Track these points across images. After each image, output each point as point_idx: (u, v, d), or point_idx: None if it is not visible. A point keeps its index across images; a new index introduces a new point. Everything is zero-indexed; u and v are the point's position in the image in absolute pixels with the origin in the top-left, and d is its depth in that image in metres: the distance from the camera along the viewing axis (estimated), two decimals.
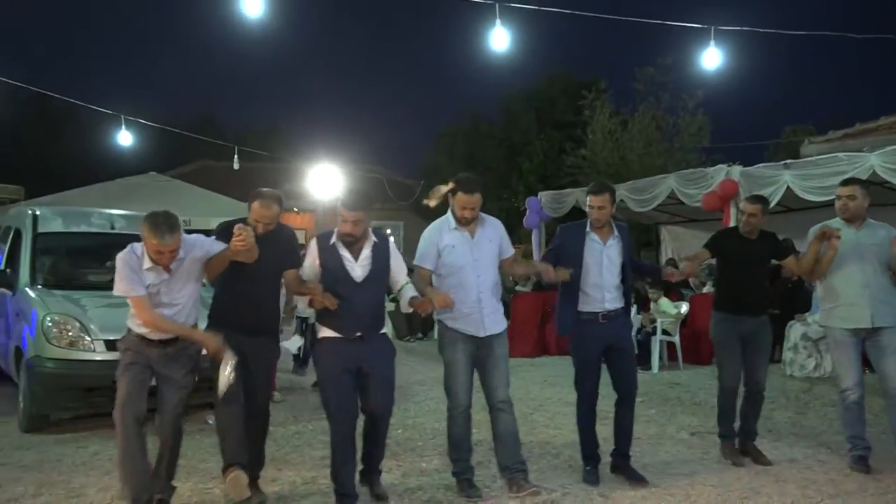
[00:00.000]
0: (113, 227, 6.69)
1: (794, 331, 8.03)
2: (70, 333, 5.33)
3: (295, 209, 21.50)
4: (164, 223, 3.55)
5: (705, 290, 9.90)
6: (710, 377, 7.85)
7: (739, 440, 4.86)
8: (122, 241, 7.03)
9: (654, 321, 8.70)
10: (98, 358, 5.29)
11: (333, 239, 3.90)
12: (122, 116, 11.02)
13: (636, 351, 4.63)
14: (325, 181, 18.73)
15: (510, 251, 4.37)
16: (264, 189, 3.93)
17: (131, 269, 3.60)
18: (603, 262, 4.35)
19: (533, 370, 8.72)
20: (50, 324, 5.31)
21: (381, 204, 21.73)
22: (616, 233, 4.42)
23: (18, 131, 22.63)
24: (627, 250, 4.47)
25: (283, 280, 4.04)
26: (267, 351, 4.08)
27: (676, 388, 7.37)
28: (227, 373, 3.56)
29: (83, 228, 6.63)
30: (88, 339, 5.32)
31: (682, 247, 14.21)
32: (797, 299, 8.60)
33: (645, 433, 5.53)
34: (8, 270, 6.29)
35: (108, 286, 6.28)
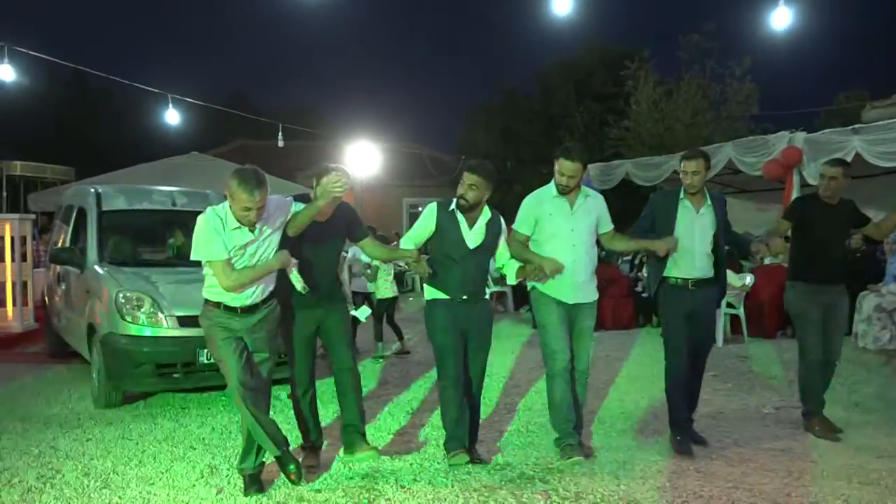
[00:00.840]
0: (174, 204, 6.65)
1: (867, 302, 7.76)
2: (143, 310, 5.30)
3: None
4: (252, 177, 3.42)
5: (768, 261, 9.61)
6: (776, 350, 7.70)
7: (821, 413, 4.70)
8: (183, 217, 7.13)
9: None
10: (171, 334, 5.27)
11: (453, 206, 4.08)
12: (169, 95, 10.98)
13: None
14: (363, 159, 18.68)
15: (609, 226, 4.40)
16: (333, 164, 3.98)
17: (214, 232, 3.48)
18: (695, 229, 4.33)
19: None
20: (123, 300, 5.29)
21: (420, 180, 21.66)
22: (709, 202, 4.38)
23: (61, 112, 22.91)
24: (722, 221, 4.40)
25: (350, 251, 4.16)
26: (338, 312, 4.15)
27: (747, 362, 7.17)
28: (294, 274, 3.77)
29: (146, 206, 6.61)
30: (161, 315, 5.29)
31: (733, 219, 13.92)
32: (868, 270, 8.29)
33: (728, 408, 5.41)
34: (75, 248, 6.29)
35: (174, 263, 6.45)
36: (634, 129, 17.15)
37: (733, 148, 10.20)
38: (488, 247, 4.14)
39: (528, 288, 4.36)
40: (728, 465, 4.07)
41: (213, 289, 3.63)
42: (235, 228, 3.51)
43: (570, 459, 4.01)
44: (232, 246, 3.52)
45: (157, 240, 6.91)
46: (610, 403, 5.60)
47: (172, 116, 11.38)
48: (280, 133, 13.29)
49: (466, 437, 4.12)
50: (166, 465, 4.11)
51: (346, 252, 7.41)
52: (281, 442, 3.65)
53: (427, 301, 4.17)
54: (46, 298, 7.71)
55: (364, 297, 7.90)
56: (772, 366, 6.87)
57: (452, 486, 3.75)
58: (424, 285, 4.23)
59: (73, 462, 4.15)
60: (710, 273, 4.40)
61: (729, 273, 8.56)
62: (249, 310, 3.67)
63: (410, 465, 4.12)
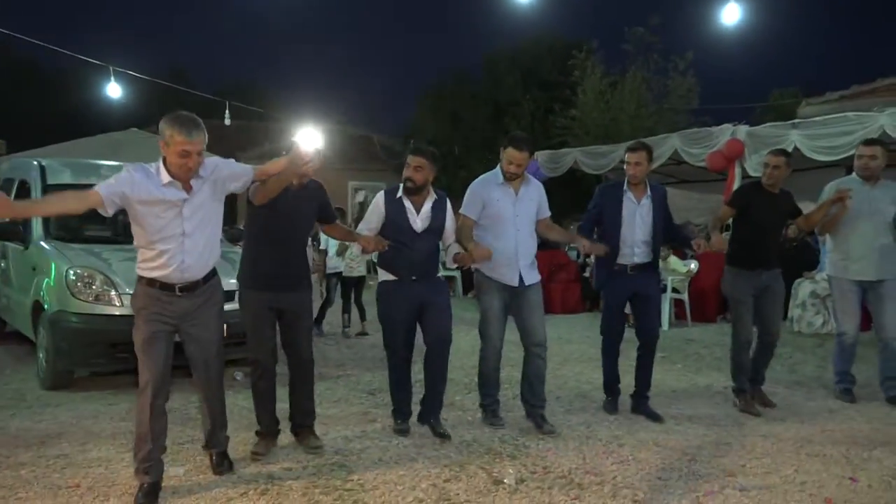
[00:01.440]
0: None
1: (803, 288, 8.16)
2: (94, 287, 5.12)
3: None
4: (189, 119, 3.06)
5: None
6: (719, 333, 8.01)
7: (749, 385, 4.97)
8: None
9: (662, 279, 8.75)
10: (125, 313, 5.08)
11: (400, 193, 4.22)
12: (111, 68, 10.54)
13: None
14: (309, 140, 18.42)
15: (546, 213, 4.62)
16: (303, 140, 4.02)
17: (132, 182, 3.06)
18: (635, 219, 4.62)
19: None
20: (73, 277, 5.09)
21: (366, 163, 21.47)
22: (649, 192, 4.66)
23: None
24: (660, 211, 4.69)
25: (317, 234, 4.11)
26: (305, 303, 4.03)
27: (693, 345, 7.45)
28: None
29: (93, 180, 6.31)
30: (114, 292, 5.12)
31: (674, 207, 14.35)
32: (804, 257, 8.71)
33: (679, 387, 5.63)
34: (17, 224, 5.99)
35: (123, 240, 6.23)
36: (580, 119, 17.44)
37: (679, 139, 10.50)
38: (436, 228, 4.27)
39: (473, 271, 4.58)
40: (685, 440, 4.24)
41: (147, 263, 3.23)
42: (168, 184, 3.11)
43: (491, 425, 4.45)
44: (166, 200, 3.11)
45: (104, 216, 6.65)
46: (567, 383, 5.74)
47: (114, 90, 10.93)
48: (227, 111, 12.93)
49: (408, 407, 4.41)
50: (128, 445, 3.99)
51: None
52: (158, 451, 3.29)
53: (379, 282, 4.33)
54: None
55: (337, 277, 8.26)
56: (716, 348, 7.15)
57: (423, 462, 3.79)
58: (378, 268, 4.36)
59: (27, 444, 3.99)
60: (649, 258, 4.70)
61: (674, 259, 8.93)
62: (192, 288, 3.29)
63: (377, 443, 4.13)
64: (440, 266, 4.58)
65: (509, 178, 4.36)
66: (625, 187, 4.65)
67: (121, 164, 6.68)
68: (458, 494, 3.36)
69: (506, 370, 4.79)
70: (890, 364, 5.00)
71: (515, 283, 4.37)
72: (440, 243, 4.42)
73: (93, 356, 5.11)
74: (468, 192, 4.49)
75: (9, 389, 5.26)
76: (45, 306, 5.23)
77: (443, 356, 4.30)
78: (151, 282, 3.23)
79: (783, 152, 4.97)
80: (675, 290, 8.75)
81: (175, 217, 3.16)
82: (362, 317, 8.19)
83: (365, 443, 4.12)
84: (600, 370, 5.00)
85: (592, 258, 10.47)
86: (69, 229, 5.92)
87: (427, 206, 4.23)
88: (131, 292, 5.02)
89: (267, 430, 3.95)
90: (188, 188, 3.18)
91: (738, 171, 9.74)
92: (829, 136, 8.42)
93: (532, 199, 4.49)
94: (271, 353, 3.92)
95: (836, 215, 4.88)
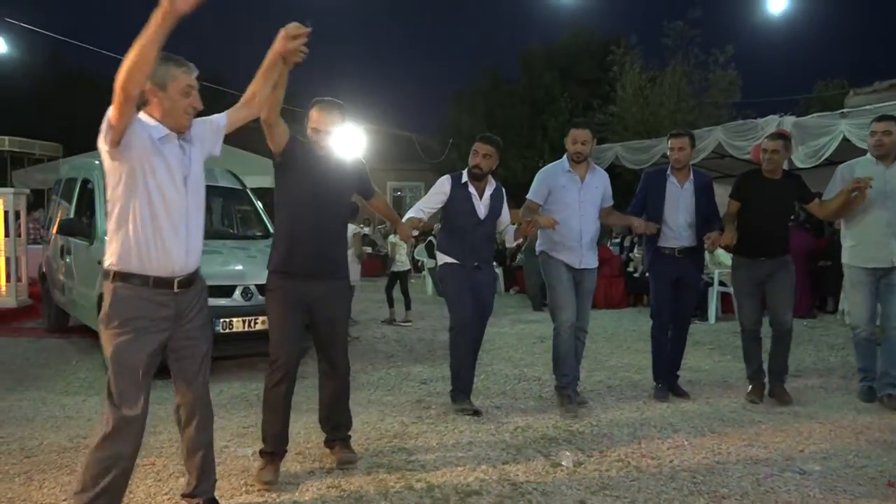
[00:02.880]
0: None
1: None
2: None
3: None
4: (171, 55, 2.54)
5: None
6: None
7: (768, 380, 4.86)
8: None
9: (710, 272, 8.69)
10: None
11: (465, 178, 4.46)
12: None
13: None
14: (349, 141, 18.63)
15: (610, 201, 4.86)
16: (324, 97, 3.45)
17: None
18: (679, 203, 4.79)
19: None
20: None
21: (404, 164, 21.66)
22: (692, 177, 4.83)
23: (39, 88, 22.39)
24: (704, 197, 4.83)
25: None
26: (344, 295, 3.57)
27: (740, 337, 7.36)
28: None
29: None
30: None
31: (717, 203, 14.19)
32: None
33: (730, 376, 5.62)
34: (83, 220, 6.26)
35: None
36: (619, 115, 17.37)
37: (723, 132, 10.40)
38: (494, 216, 4.53)
39: (538, 253, 4.81)
40: (740, 427, 4.24)
41: (130, 250, 2.50)
42: (165, 137, 2.54)
43: (564, 410, 4.50)
44: (166, 159, 2.52)
45: None
46: (616, 373, 5.77)
47: None
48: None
49: (471, 387, 4.59)
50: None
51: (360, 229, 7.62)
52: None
53: (441, 265, 4.59)
54: (46, 272, 7.65)
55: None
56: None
57: (480, 446, 3.87)
58: (437, 252, 4.67)
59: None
60: (693, 242, 4.80)
61: (721, 252, 8.83)
62: (189, 283, 2.64)
63: (433, 427, 4.21)
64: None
65: (576, 158, 4.58)
66: (668, 172, 4.84)
67: None
68: (517, 475, 3.43)
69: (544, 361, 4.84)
70: (891, 358, 4.68)
71: (577, 265, 4.59)
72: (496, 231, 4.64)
73: None
74: (536, 178, 4.74)
75: (77, 378, 5.50)
76: None
77: (483, 328, 4.68)
78: (143, 278, 2.53)
79: (779, 136, 4.83)
80: (721, 283, 8.67)
81: (179, 173, 2.58)
82: (408, 306, 8.73)
83: (422, 427, 4.22)
84: (649, 360, 5.03)
85: (636, 252, 10.47)
86: None
87: (488, 194, 4.48)
88: None
89: (275, 450, 3.33)
90: (184, 131, 2.62)
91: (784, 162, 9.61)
92: None
93: (597, 187, 4.70)
94: (296, 355, 3.37)
95: (854, 201, 4.61)
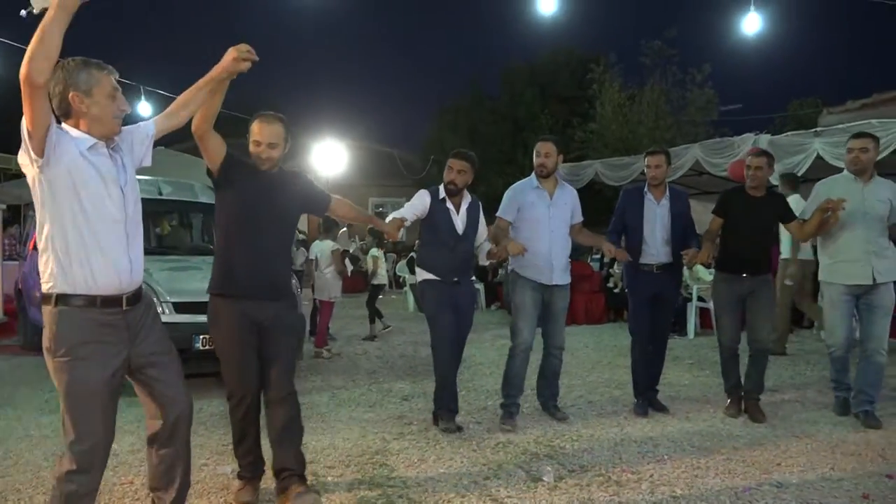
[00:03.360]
0: (160, 193, 6.62)
1: None
2: None
3: None
4: (87, 59, 2.44)
5: None
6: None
7: (744, 397, 4.89)
8: (169, 207, 7.12)
9: (688, 288, 8.78)
10: (167, 320, 5.19)
11: (441, 193, 4.44)
12: (142, 87, 10.82)
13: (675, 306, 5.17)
14: (330, 157, 18.65)
15: (579, 218, 4.84)
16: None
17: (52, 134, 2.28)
18: (656, 220, 4.84)
19: None
20: None
21: (386, 179, 21.70)
22: (668, 194, 4.90)
23: (11, 101, 22.13)
24: (681, 213, 4.88)
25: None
26: (289, 318, 3.33)
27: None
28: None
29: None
30: (156, 300, 5.28)
31: (696, 221, 14.37)
32: None
33: (708, 391, 5.67)
34: None
35: (162, 251, 6.42)
36: (599, 132, 17.59)
37: (700, 149, 10.54)
38: (472, 230, 4.54)
39: (508, 271, 4.81)
40: (719, 441, 4.29)
41: (70, 270, 2.37)
42: (92, 147, 2.40)
43: (503, 425, 4.54)
44: (96, 169, 2.40)
45: (145, 229, 6.86)
46: (597, 388, 5.80)
47: (145, 109, 11.22)
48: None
49: (455, 405, 4.56)
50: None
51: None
52: None
53: (421, 281, 4.54)
54: (22, 289, 7.55)
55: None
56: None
57: (461, 462, 3.87)
58: (416, 267, 4.62)
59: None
60: (671, 258, 4.86)
61: (700, 268, 8.95)
62: (135, 298, 2.54)
63: (415, 444, 4.21)
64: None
65: (540, 172, 4.61)
66: (645, 189, 4.91)
67: (156, 178, 6.91)
68: (498, 491, 3.43)
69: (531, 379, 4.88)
70: (867, 378, 4.68)
71: (548, 282, 4.59)
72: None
73: None
74: (505, 195, 4.73)
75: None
76: None
77: (462, 344, 4.63)
78: (86, 299, 2.40)
79: (763, 153, 4.87)
80: (700, 298, 8.77)
81: (115, 190, 2.45)
82: (379, 316, 8.88)
83: (403, 443, 4.21)
84: (629, 375, 5.07)
85: (616, 268, 10.55)
86: None
87: (464, 208, 4.49)
88: (174, 300, 5.32)
89: (252, 475, 3.30)
90: (112, 147, 2.50)
91: None
92: None
93: (566, 203, 4.72)
94: (256, 379, 3.17)
95: (828, 221, 4.62)
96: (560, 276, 4.64)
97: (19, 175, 13.47)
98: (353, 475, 3.63)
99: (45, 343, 2.41)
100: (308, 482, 3.26)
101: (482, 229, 4.64)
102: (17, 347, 7.58)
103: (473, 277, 4.86)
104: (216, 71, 2.77)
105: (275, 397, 3.18)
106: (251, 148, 3.17)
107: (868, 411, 4.65)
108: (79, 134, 2.41)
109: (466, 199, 4.52)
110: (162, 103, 14.33)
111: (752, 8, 7.80)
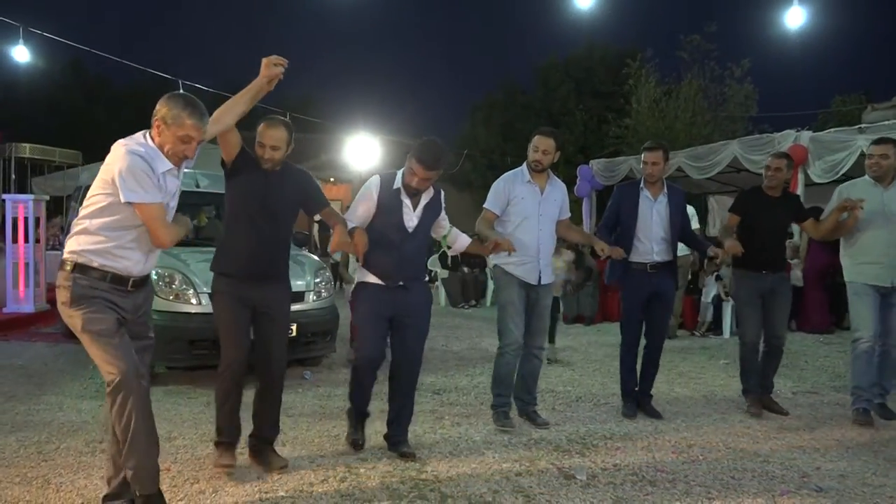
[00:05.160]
0: (198, 186, 6.70)
1: None
2: (174, 286, 5.38)
3: (332, 179, 21.53)
4: (197, 102, 2.80)
5: None
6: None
7: (759, 393, 4.92)
8: (207, 199, 7.22)
9: (727, 287, 8.64)
10: (203, 311, 5.33)
11: (398, 184, 3.76)
12: (180, 81, 10.99)
13: (672, 304, 4.87)
14: (362, 152, 18.73)
15: (567, 214, 4.65)
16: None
17: (144, 173, 2.69)
18: (652, 216, 4.68)
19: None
20: (155, 277, 5.35)
21: None
22: (666, 191, 4.73)
23: (59, 97, 22.75)
24: (678, 211, 4.74)
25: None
26: (284, 300, 3.69)
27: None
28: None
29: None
30: (192, 291, 5.37)
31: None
32: None
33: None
34: None
35: (200, 243, 6.52)
36: (634, 128, 17.37)
37: (739, 145, 10.37)
38: (426, 228, 3.89)
39: (492, 266, 4.60)
40: (755, 443, 4.22)
41: (100, 245, 2.78)
42: (169, 171, 2.84)
43: (501, 426, 4.37)
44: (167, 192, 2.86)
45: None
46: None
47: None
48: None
49: (365, 403, 4.00)
50: (210, 433, 4.19)
51: None
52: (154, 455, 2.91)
53: (358, 283, 3.88)
54: None
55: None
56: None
57: (493, 457, 3.86)
58: (358, 267, 3.92)
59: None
60: (668, 257, 4.73)
61: None
62: (141, 284, 2.96)
63: (447, 438, 4.21)
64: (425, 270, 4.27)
65: (535, 167, 4.37)
66: (641, 185, 4.74)
67: (194, 171, 7.02)
68: (531, 487, 3.42)
69: (557, 373, 4.83)
70: (884, 371, 4.73)
71: (534, 280, 4.40)
72: (433, 236, 4.13)
73: (173, 352, 5.33)
74: (493, 186, 4.49)
75: (93, 383, 5.54)
76: None
77: (412, 379, 3.95)
78: (101, 273, 2.80)
79: (784, 155, 4.95)
80: None
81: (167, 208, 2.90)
82: None
83: (435, 438, 4.22)
84: (663, 374, 5.02)
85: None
86: None
87: (423, 203, 3.80)
88: (209, 291, 5.38)
89: (230, 439, 3.60)
90: (178, 168, 2.93)
91: (801, 177, 9.56)
92: None
93: (556, 200, 4.51)
94: (243, 350, 3.51)
95: (847, 223, 4.67)
96: (546, 274, 4.44)
97: (61, 167, 13.85)
98: (385, 468, 3.65)
99: (62, 299, 2.80)
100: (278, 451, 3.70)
101: (443, 219, 4.00)
102: (59, 335, 7.77)
103: (467, 269, 4.69)
104: (257, 83, 3.23)
105: (266, 372, 3.62)
106: (256, 148, 3.51)
107: (882, 404, 4.71)
108: (160, 157, 2.80)
109: (429, 192, 3.81)
110: (198, 97, 14.52)
111: (797, 2, 7.61)
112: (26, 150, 12.61)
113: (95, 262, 2.78)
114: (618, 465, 3.76)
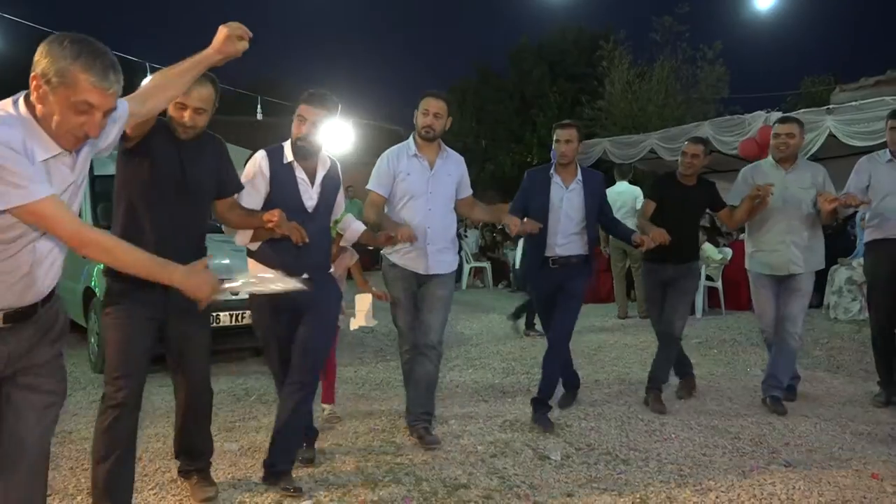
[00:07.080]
0: None
1: (839, 275, 8.09)
2: None
3: None
4: (99, 49, 1.84)
5: (742, 236, 9.92)
6: (753, 321, 7.97)
7: (651, 385, 4.58)
8: None
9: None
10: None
11: (289, 157, 3.17)
12: (147, 64, 10.72)
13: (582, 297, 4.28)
14: (336, 135, 18.56)
15: (468, 191, 4.05)
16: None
17: (22, 158, 1.73)
18: (562, 206, 4.17)
19: None
20: None
21: None
22: (580, 176, 4.23)
23: (24, 83, 22.11)
24: (595, 199, 4.25)
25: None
26: (198, 312, 2.61)
27: (728, 332, 7.43)
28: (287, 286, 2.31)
29: None
30: None
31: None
32: (839, 244, 8.63)
33: (717, 370, 5.67)
34: None
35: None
36: (608, 110, 17.39)
37: (710, 127, 10.46)
38: (328, 205, 3.30)
39: (381, 256, 3.99)
40: (727, 420, 4.27)
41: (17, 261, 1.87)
42: (54, 157, 1.86)
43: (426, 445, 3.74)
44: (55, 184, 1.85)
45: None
46: (604, 367, 5.79)
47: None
48: (259, 106, 13.11)
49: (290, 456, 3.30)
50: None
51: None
52: None
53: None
54: None
55: None
56: (752, 334, 7.13)
57: (468, 440, 3.87)
58: (250, 260, 3.27)
59: (84, 421, 4.15)
60: (581, 250, 4.22)
61: (708, 246, 8.89)
62: (24, 315, 1.93)
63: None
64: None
65: (424, 134, 3.78)
66: (552, 171, 4.23)
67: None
68: (505, 469, 3.43)
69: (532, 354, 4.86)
70: (779, 362, 4.53)
71: (423, 270, 3.80)
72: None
73: None
74: (377, 164, 3.86)
75: None
76: (98, 293, 5.40)
77: (316, 362, 3.25)
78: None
79: (700, 140, 4.67)
80: (709, 277, 8.72)
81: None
82: None
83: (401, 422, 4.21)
84: (637, 355, 5.06)
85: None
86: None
87: (320, 176, 3.23)
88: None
89: None
90: (73, 153, 1.93)
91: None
92: (865, 120, 8.31)
93: (450, 175, 3.90)
94: (141, 383, 2.74)
95: (755, 209, 4.44)
96: (439, 263, 3.81)
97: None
98: (360, 453, 3.64)
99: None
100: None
101: (340, 200, 3.42)
102: None
103: (472, 265, 4.37)
104: (209, 53, 2.38)
105: (189, 389, 2.98)
106: (172, 111, 2.74)
107: (776, 397, 4.46)
108: (43, 138, 1.88)
109: (325, 164, 3.25)
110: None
111: None
112: None
113: None
114: (591, 445, 3.80)
